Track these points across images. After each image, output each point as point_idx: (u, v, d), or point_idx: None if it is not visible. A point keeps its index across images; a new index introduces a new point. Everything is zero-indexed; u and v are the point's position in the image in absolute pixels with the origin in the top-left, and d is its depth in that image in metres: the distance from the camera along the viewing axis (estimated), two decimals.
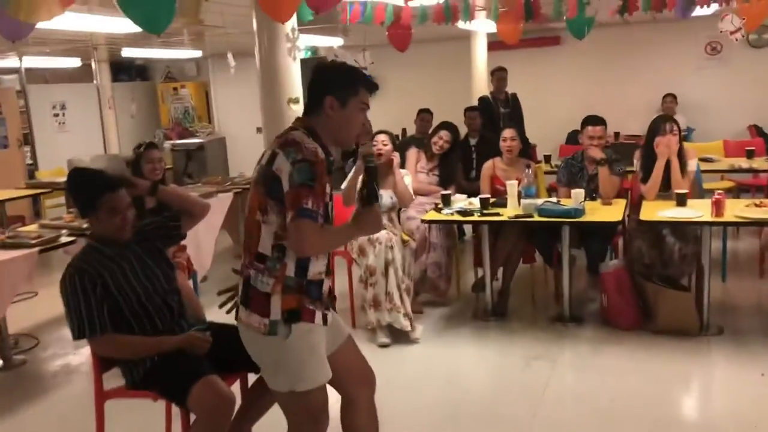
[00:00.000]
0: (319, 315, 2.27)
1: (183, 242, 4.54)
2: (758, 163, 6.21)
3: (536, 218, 4.41)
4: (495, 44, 8.64)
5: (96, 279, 2.60)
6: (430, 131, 5.97)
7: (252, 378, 2.92)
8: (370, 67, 7.35)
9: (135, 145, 4.50)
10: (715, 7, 5.57)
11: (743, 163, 6.20)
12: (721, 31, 5.23)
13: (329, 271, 2.36)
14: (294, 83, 4.20)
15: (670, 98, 8.61)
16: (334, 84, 2.28)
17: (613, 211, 4.50)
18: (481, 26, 7.79)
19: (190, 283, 4.49)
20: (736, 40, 5.22)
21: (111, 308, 2.64)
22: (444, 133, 5.42)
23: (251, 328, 2.24)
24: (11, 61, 8.80)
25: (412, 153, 5.57)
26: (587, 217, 4.35)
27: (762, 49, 8.98)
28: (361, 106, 2.31)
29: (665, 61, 9.40)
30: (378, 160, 4.40)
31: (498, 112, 7.41)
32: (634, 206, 4.75)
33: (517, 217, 4.46)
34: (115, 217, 2.66)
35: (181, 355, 2.67)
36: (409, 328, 4.36)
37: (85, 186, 2.77)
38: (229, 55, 6.45)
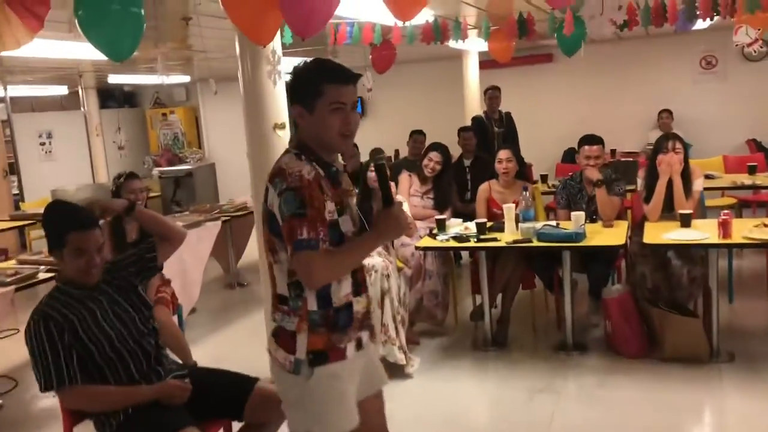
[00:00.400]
0: (351, 346, 2.10)
1: (168, 275, 4.38)
2: (761, 179, 6.06)
3: (535, 243, 4.23)
4: (487, 63, 8.52)
5: (63, 325, 2.40)
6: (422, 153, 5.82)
7: (236, 426, 2.74)
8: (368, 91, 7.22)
9: (115, 176, 4.34)
10: (711, 20, 5.45)
11: (745, 179, 6.04)
12: (736, 45, 5.14)
13: (360, 290, 2.15)
14: (279, 108, 4.03)
15: (666, 114, 8.52)
16: (296, 91, 2.07)
17: (615, 234, 4.33)
18: (473, 45, 7.68)
19: (176, 318, 4.30)
20: (755, 51, 5.17)
21: (81, 355, 2.44)
22: (434, 155, 5.26)
23: (277, 363, 2.11)
24: None
25: (403, 178, 5.41)
26: (588, 241, 4.17)
27: (757, 62, 8.86)
28: (334, 106, 2.01)
29: (660, 76, 9.29)
30: (373, 185, 4.21)
31: (492, 132, 7.28)
32: (636, 227, 4.58)
33: (515, 242, 4.28)
34: (80, 259, 2.46)
35: (157, 405, 2.48)
36: (403, 362, 4.16)
37: (55, 221, 2.59)
38: (212, 81, 6.40)
